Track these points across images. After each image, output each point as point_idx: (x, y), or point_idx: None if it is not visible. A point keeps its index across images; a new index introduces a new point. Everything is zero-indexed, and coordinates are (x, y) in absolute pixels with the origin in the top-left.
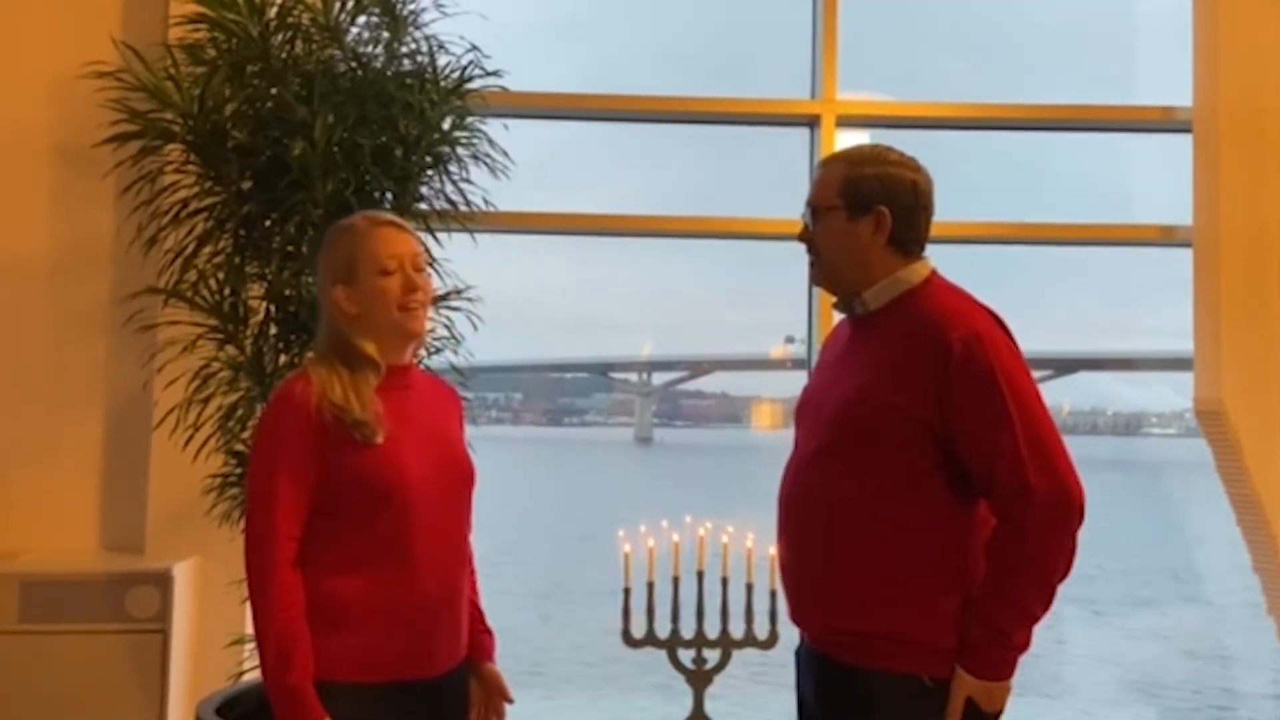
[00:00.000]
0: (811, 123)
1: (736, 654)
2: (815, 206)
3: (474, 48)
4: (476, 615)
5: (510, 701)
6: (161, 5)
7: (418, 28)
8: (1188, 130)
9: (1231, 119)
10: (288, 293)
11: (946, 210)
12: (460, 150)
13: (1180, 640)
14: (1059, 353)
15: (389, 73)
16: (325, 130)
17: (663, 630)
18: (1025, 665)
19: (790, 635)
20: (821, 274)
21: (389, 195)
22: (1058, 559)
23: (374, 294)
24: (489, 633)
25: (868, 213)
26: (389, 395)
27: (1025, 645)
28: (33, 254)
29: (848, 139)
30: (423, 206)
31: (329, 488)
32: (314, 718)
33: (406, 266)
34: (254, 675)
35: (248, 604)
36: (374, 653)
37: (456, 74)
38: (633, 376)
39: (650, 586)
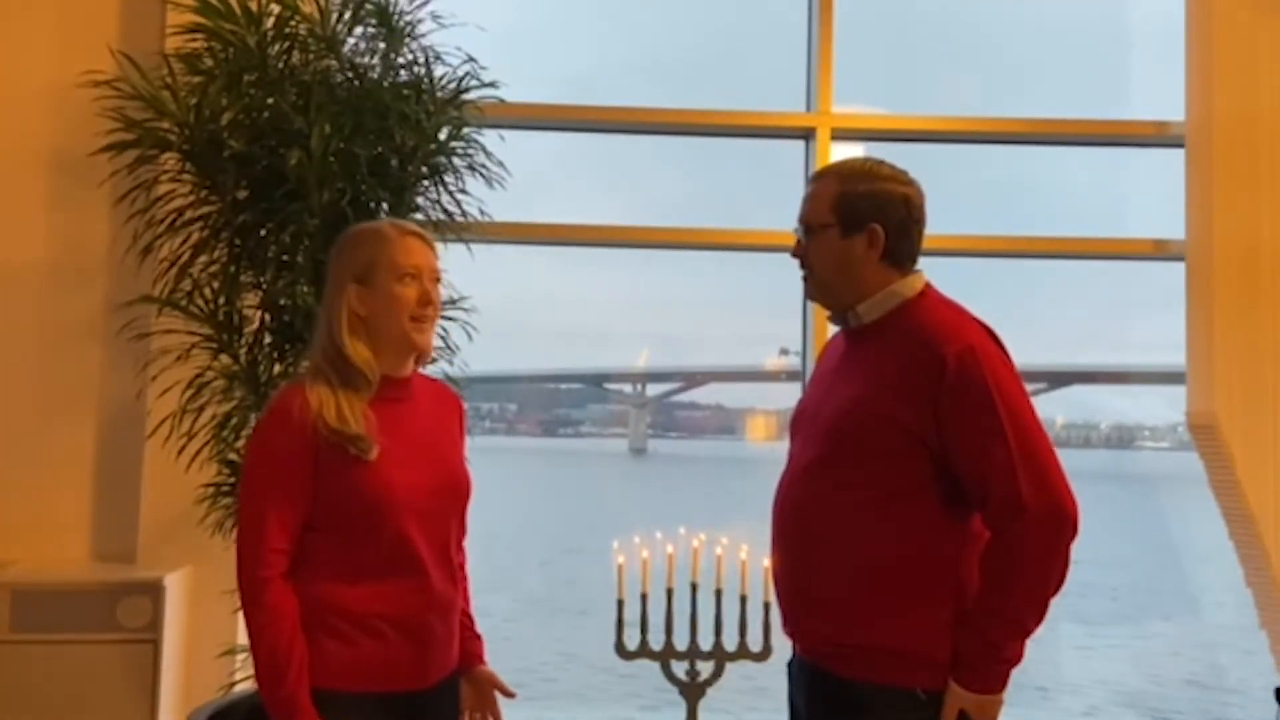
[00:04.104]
0: (807, 135)
1: (730, 666)
2: (808, 224)
3: (470, 59)
4: (466, 622)
5: (511, 696)
6: (159, 15)
7: (414, 39)
8: (1180, 145)
9: (1224, 134)
10: (283, 302)
11: (940, 223)
12: (456, 161)
13: (1172, 654)
14: (1052, 365)
15: (385, 83)
16: (322, 140)
17: (656, 642)
18: (1016, 679)
19: (784, 647)
20: (815, 289)
21: (385, 205)
22: (1050, 573)
23: (388, 300)
24: (478, 637)
25: (861, 230)
26: (384, 408)
27: (1018, 659)
28: (28, 261)
29: (842, 152)
30: (418, 217)
31: (323, 504)
32: None
33: (425, 279)
34: (245, 686)
35: (239, 614)
36: (371, 663)
37: (453, 85)
38: (627, 388)
39: (644, 598)
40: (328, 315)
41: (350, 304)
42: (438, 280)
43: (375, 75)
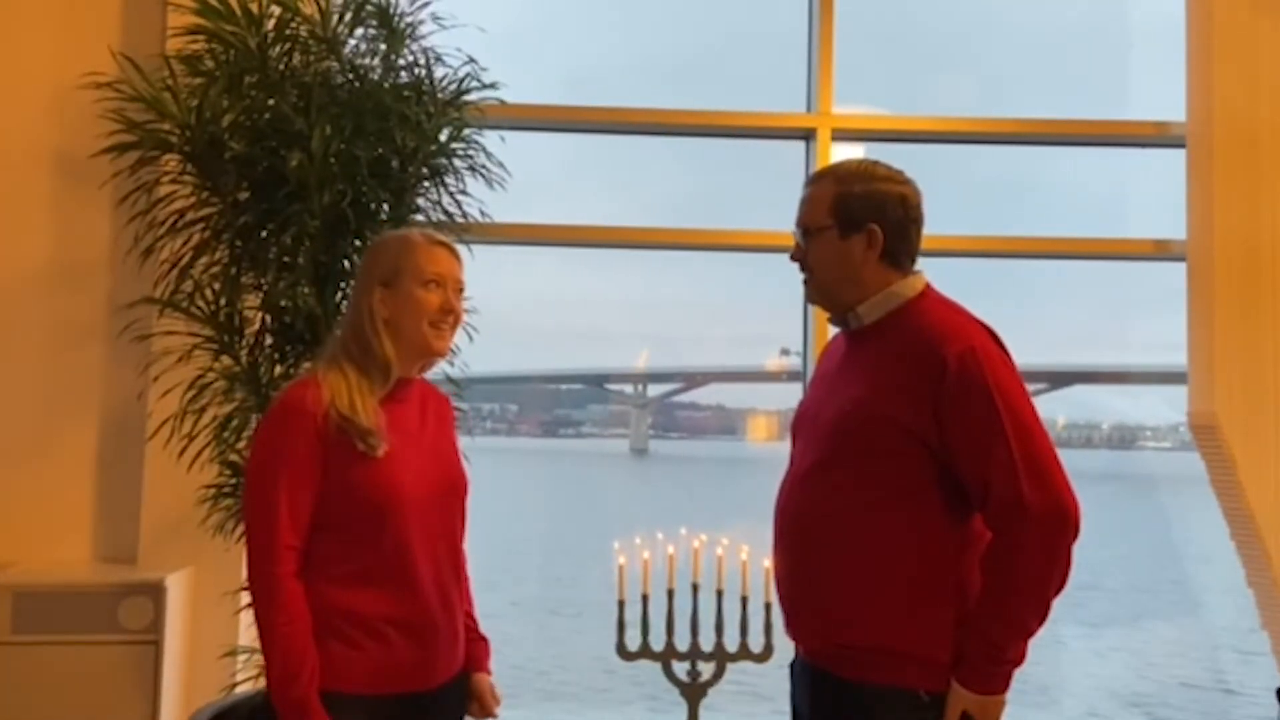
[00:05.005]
0: (807, 136)
1: (731, 667)
2: (806, 227)
3: (471, 60)
4: (470, 624)
5: (490, 715)
6: (160, 17)
7: (415, 40)
8: (1181, 145)
9: (1225, 134)
10: (284, 303)
11: (941, 224)
12: (457, 162)
13: (1172, 655)
14: (1054, 366)
15: (386, 85)
16: (322, 141)
17: (657, 643)
18: (1019, 679)
19: (785, 649)
20: (816, 291)
21: (385, 207)
22: (1052, 573)
23: (410, 303)
24: (483, 639)
25: (859, 230)
26: (391, 408)
27: (1020, 659)
28: (29, 262)
29: (843, 152)
30: (419, 218)
31: (329, 501)
32: None
33: (448, 288)
34: (246, 687)
35: (241, 615)
36: (376, 665)
37: (453, 86)
38: (628, 388)
39: (645, 599)
40: (354, 315)
41: (374, 306)
42: (461, 291)
43: (376, 77)
